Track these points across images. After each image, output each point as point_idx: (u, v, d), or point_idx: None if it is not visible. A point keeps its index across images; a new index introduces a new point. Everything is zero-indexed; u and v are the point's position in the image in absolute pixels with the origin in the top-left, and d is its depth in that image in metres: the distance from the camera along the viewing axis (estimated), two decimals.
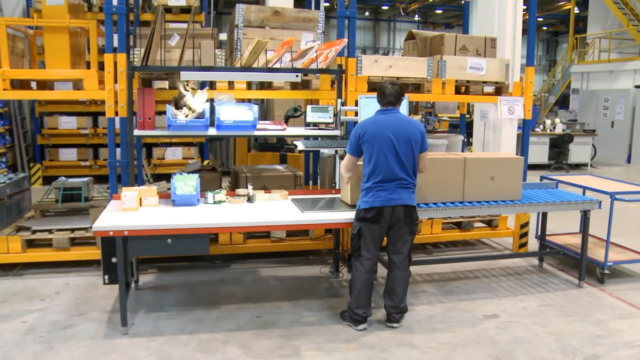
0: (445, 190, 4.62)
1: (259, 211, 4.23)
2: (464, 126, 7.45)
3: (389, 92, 3.97)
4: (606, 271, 5.08)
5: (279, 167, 6.40)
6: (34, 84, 5.53)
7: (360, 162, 4.10)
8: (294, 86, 5.29)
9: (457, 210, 4.63)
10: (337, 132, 4.91)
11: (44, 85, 5.42)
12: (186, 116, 4.49)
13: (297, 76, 4.84)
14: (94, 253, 5.10)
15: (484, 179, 4.69)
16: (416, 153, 3.96)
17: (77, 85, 5.28)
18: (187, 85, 4.67)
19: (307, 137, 4.97)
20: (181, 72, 4.59)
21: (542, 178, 5.65)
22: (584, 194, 5.36)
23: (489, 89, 5.93)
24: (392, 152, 3.86)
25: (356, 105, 4.94)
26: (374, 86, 5.48)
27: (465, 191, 4.66)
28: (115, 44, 4.72)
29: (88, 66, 5.38)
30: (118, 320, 3.94)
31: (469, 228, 6.15)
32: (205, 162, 9.69)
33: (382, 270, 5.11)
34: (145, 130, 4.58)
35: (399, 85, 4.03)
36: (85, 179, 5.88)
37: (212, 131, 4.54)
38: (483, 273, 5.39)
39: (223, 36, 6.72)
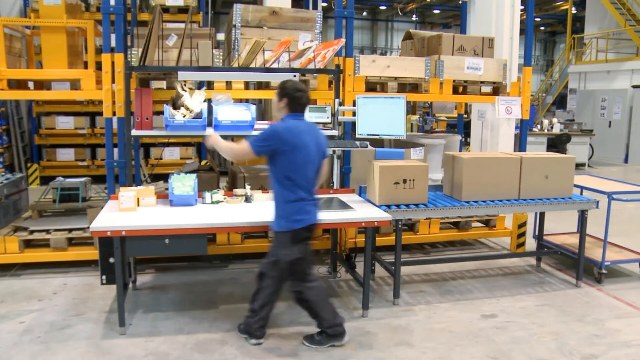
0: (502, 188, 4.79)
1: (257, 211, 4.22)
2: (461, 126, 7.46)
3: (305, 98, 3.63)
4: (604, 271, 5.09)
5: None
6: (31, 84, 5.52)
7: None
8: None
9: (454, 210, 4.64)
10: (334, 132, 4.90)
11: (41, 85, 5.41)
12: (184, 116, 4.50)
13: (294, 76, 4.83)
14: (91, 253, 5.09)
15: (539, 178, 4.86)
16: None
17: (75, 85, 5.28)
18: (185, 85, 4.66)
19: None
20: (179, 72, 4.59)
21: None
22: (581, 193, 5.37)
23: (487, 89, 5.95)
24: (315, 163, 3.62)
25: (354, 105, 4.94)
26: (371, 86, 5.50)
27: (521, 189, 4.83)
28: (113, 44, 4.71)
29: (85, 66, 5.38)
30: (116, 320, 3.94)
31: (466, 228, 6.16)
32: (203, 162, 9.68)
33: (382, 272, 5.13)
34: (143, 130, 4.58)
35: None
36: (82, 179, 5.87)
37: (209, 131, 4.53)
38: (481, 273, 5.39)
39: (221, 36, 6.71)
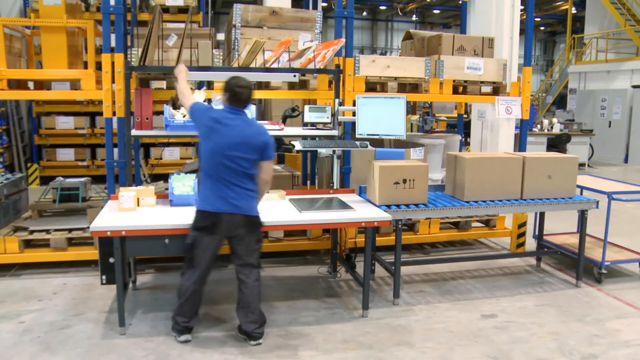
0: (504, 188, 4.81)
1: None
2: (461, 126, 7.46)
3: (245, 95, 3.66)
4: (603, 271, 5.09)
5: (276, 167, 6.39)
6: (31, 84, 5.52)
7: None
8: (292, 86, 5.29)
9: (454, 210, 4.64)
10: (334, 132, 4.91)
11: (41, 85, 5.41)
12: (184, 116, 4.50)
13: (294, 76, 4.84)
14: (91, 253, 5.09)
15: (542, 178, 4.88)
16: (254, 159, 3.65)
17: (75, 85, 5.28)
18: None
19: (304, 137, 4.97)
20: None
21: None
22: (581, 193, 5.37)
23: (487, 89, 5.94)
24: (231, 159, 3.57)
25: (354, 105, 4.94)
26: (371, 86, 5.50)
27: (524, 189, 4.85)
28: (113, 44, 4.71)
29: (85, 66, 5.38)
30: (115, 320, 3.94)
31: (466, 228, 6.16)
32: None
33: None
34: (143, 130, 4.58)
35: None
36: (82, 179, 5.87)
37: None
38: (481, 273, 5.39)
39: (221, 36, 6.71)
